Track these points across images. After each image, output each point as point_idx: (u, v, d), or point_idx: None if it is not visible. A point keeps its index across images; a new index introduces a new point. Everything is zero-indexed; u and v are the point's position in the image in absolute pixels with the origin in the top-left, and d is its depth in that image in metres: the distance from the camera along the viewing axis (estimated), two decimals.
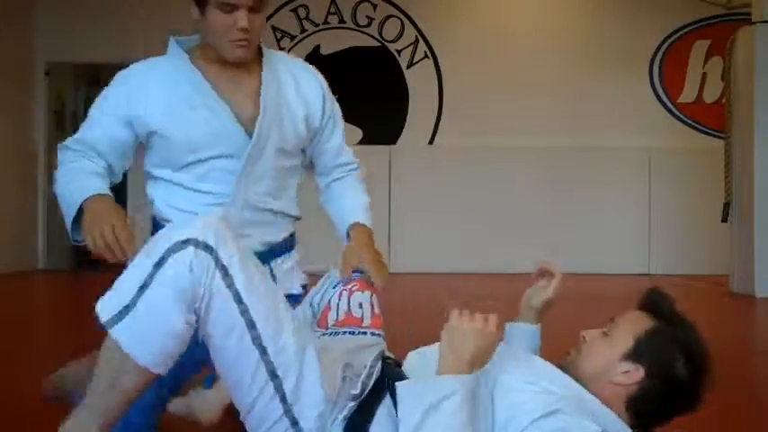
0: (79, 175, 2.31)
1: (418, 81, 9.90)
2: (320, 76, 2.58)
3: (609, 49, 9.80)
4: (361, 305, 2.15)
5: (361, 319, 2.12)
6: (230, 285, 1.74)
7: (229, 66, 2.37)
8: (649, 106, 9.90)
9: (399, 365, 2.01)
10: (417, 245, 9.55)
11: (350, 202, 2.58)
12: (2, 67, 9.13)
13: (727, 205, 7.89)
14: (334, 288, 2.22)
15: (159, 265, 1.71)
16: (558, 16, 9.90)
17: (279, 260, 2.49)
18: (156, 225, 2.47)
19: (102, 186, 2.28)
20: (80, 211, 2.22)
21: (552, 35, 9.79)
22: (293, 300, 2.34)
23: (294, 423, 1.84)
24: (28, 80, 9.74)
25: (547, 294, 2.18)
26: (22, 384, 3.69)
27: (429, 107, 9.91)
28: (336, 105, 2.61)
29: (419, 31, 9.89)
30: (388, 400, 1.84)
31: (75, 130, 2.53)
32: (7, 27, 9.28)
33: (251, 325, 1.76)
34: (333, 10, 9.94)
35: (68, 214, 2.23)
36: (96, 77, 10.89)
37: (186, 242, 1.72)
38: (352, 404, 1.84)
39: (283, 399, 1.82)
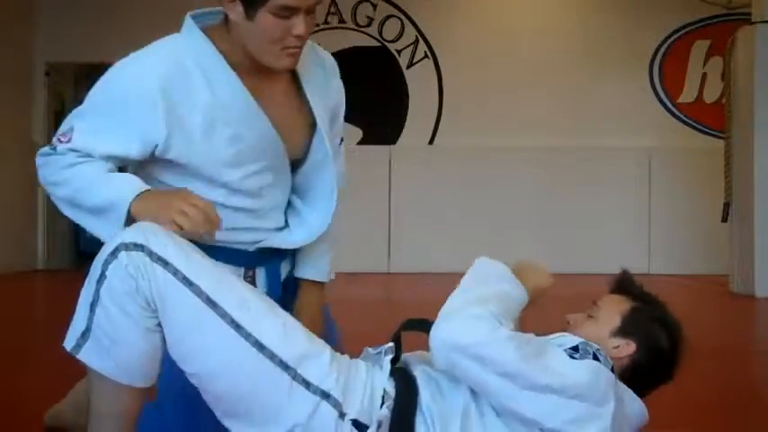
0: (106, 175, 1.94)
1: (418, 81, 9.89)
2: (336, 66, 2.27)
3: (609, 49, 9.80)
4: None
5: None
6: (175, 273, 1.71)
7: (258, 70, 2.02)
8: (649, 106, 9.90)
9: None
10: (417, 245, 9.54)
11: (319, 243, 2.24)
12: (2, 67, 9.13)
13: (727, 205, 7.89)
14: None
15: (100, 281, 1.72)
16: (558, 16, 9.89)
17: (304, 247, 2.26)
18: None
19: (140, 181, 1.92)
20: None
21: (552, 35, 9.79)
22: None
23: (307, 385, 1.77)
24: (28, 80, 9.74)
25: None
26: (23, 384, 3.69)
27: (429, 107, 9.90)
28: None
29: (419, 31, 9.89)
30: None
31: None
32: (7, 27, 9.28)
33: (211, 303, 1.72)
34: (333, 10, 9.94)
35: (115, 217, 1.87)
36: (96, 77, 10.88)
37: (116, 250, 1.72)
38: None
39: (283, 365, 1.75)
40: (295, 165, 2.16)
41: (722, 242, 8.22)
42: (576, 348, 1.86)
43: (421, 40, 9.89)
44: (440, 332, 1.76)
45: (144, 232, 1.73)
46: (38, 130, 9.77)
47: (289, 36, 1.94)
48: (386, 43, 9.91)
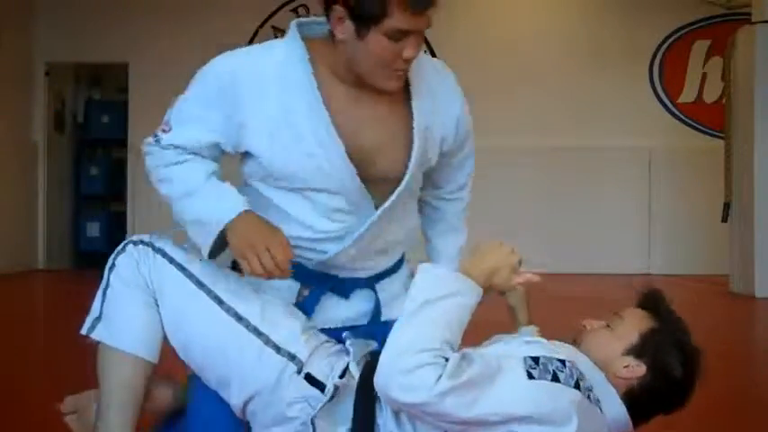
0: (207, 184, 2.00)
1: None
2: (459, 88, 2.20)
3: (609, 49, 9.79)
4: None
5: None
6: (171, 261, 1.98)
7: (360, 86, 1.97)
8: (649, 106, 9.89)
9: None
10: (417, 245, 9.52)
11: (452, 241, 2.36)
12: (2, 66, 9.12)
13: (727, 205, 7.89)
14: None
15: (111, 270, 2.01)
16: (558, 16, 9.89)
17: (385, 281, 2.17)
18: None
19: (241, 200, 1.98)
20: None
21: (552, 35, 9.78)
22: None
23: (292, 357, 1.92)
24: (28, 80, 9.73)
25: (511, 291, 2.23)
26: (23, 384, 3.69)
27: None
28: (471, 126, 2.30)
29: None
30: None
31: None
32: (7, 27, 9.27)
33: (199, 284, 1.96)
34: None
35: (207, 233, 1.97)
36: (96, 77, 10.90)
37: (125, 246, 2.02)
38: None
39: (256, 331, 1.93)
40: (390, 188, 2.05)
41: (722, 242, 8.22)
42: (536, 360, 1.79)
43: None
44: (382, 384, 1.75)
45: (150, 236, 2.02)
46: (38, 130, 9.76)
47: (399, 59, 1.90)
48: None
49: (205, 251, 1.98)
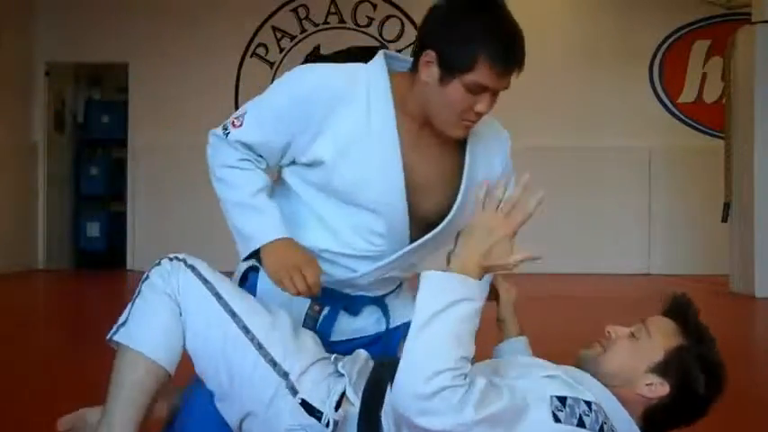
0: (255, 200, 2.10)
1: None
2: (509, 143, 2.34)
3: (609, 49, 9.80)
4: None
5: None
6: (197, 274, 2.02)
7: (424, 125, 2.06)
8: (649, 106, 9.90)
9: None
10: None
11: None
12: (2, 66, 9.13)
13: (727, 205, 7.90)
14: None
15: (144, 280, 2.04)
16: (557, 16, 9.89)
17: (392, 294, 2.27)
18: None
19: (281, 226, 2.08)
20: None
21: (552, 35, 9.78)
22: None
23: (285, 375, 1.93)
24: (28, 80, 9.74)
25: (501, 303, 2.31)
26: (23, 384, 3.69)
27: None
28: (512, 169, 2.31)
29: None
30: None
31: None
32: (7, 27, 9.28)
33: (217, 296, 2.00)
34: (333, 10, 9.94)
35: (244, 246, 2.11)
36: (96, 77, 10.90)
37: (161, 260, 2.06)
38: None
39: (258, 345, 1.97)
40: (428, 227, 2.13)
41: (722, 242, 8.22)
42: (563, 401, 1.75)
43: None
44: (403, 410, 1.72)
45: (185, 256, 2.07)
46: (38, 130, 9.76)
47: (471, 111, 1.99)
48: (386, 43, 9.91)
49: (240, 255, 2.13)
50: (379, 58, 2.14)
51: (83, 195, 10.36)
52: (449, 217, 2.10)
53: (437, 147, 2.09)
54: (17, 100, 9.55)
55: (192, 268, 2.03)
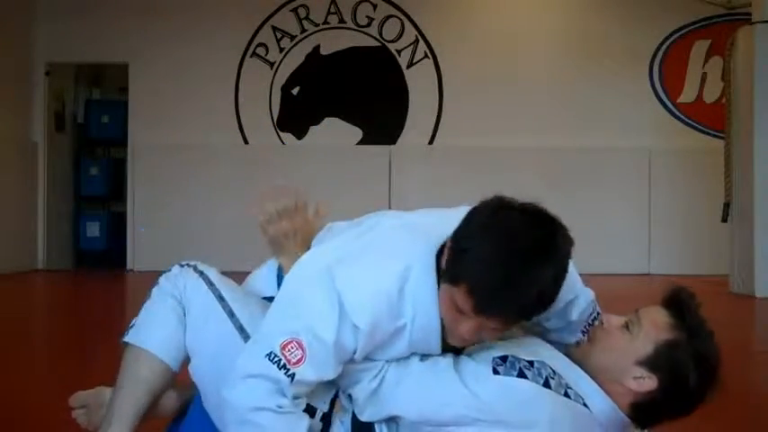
0: None
1: (418, 81, 9.89)
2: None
3: (609, 49, 9.79)
4: None
5: None
6: (205, 278, 2.09)
7: None
8: (649, 106, 9.89)
9: None
10: None
11: None
12: (2, 67, 9.13)
13: (727, 205, 7.90)
14: None
15: (154, 286, 2.12)
16: (558, 16, 9.89)
17: None
18: None
19: None
20: None
21: (552, 35, 9.79)
22: None
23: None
24: (28, 80, 9.74)
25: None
26: (23, 384, 3.69)
27: (429, 107, 9.90)
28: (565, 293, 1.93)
29: (419, 31, 9.89)
30: None
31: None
32: (7, 27, 9.28)
33: (220, 298, 2.05)
34: (333, 10, 9.94)
35: None
36: (96, 77, 10.91)
37: (173, 266, 2.14)
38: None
39: (245, 334, 2.01)
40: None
41: (722, 242, 8.22)
42: (503, 359, 1.81)
43: (421, 40, 9.89)
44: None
45: (197, 262, 2.15)
46: (38, 131, 9.75)
47: (457, 328, 1.78)
48: (386, 43, 9.91)
49: None
50: (427, 257, 1.85)
51: (83, 195, 10.36)
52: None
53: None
54: (17, 100, 9.55)
55: (201, 273, 2.10)
